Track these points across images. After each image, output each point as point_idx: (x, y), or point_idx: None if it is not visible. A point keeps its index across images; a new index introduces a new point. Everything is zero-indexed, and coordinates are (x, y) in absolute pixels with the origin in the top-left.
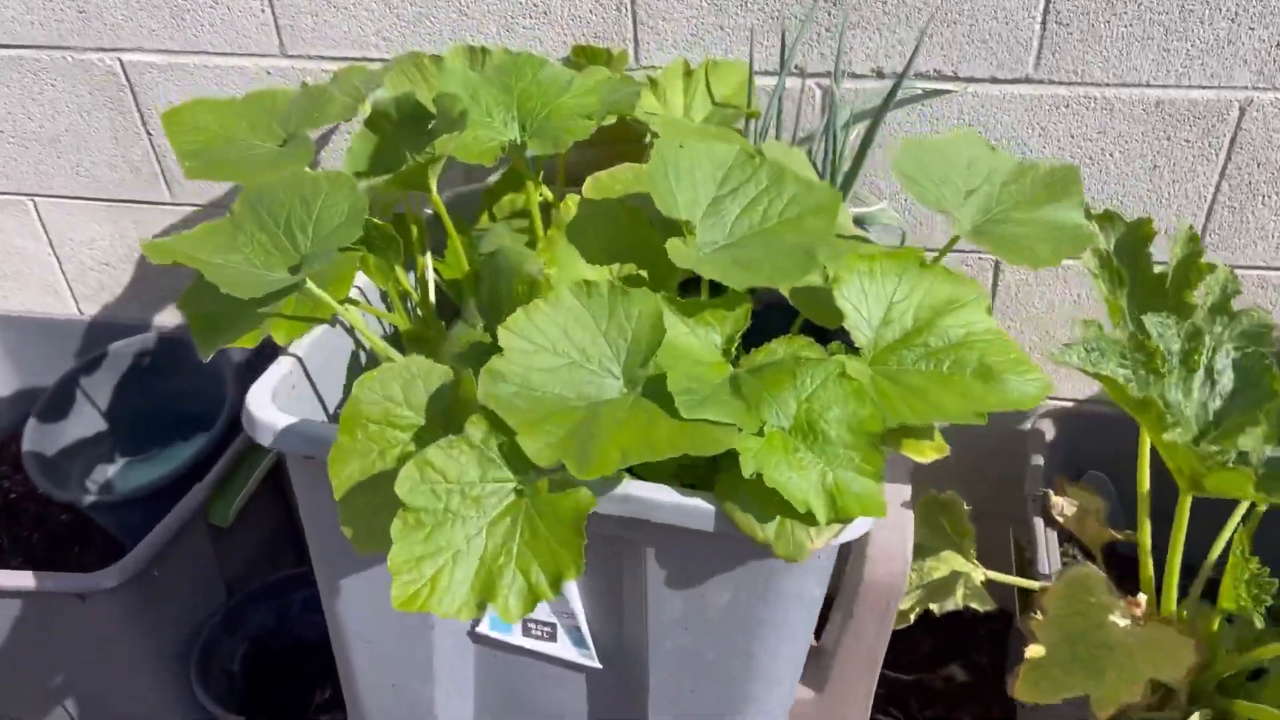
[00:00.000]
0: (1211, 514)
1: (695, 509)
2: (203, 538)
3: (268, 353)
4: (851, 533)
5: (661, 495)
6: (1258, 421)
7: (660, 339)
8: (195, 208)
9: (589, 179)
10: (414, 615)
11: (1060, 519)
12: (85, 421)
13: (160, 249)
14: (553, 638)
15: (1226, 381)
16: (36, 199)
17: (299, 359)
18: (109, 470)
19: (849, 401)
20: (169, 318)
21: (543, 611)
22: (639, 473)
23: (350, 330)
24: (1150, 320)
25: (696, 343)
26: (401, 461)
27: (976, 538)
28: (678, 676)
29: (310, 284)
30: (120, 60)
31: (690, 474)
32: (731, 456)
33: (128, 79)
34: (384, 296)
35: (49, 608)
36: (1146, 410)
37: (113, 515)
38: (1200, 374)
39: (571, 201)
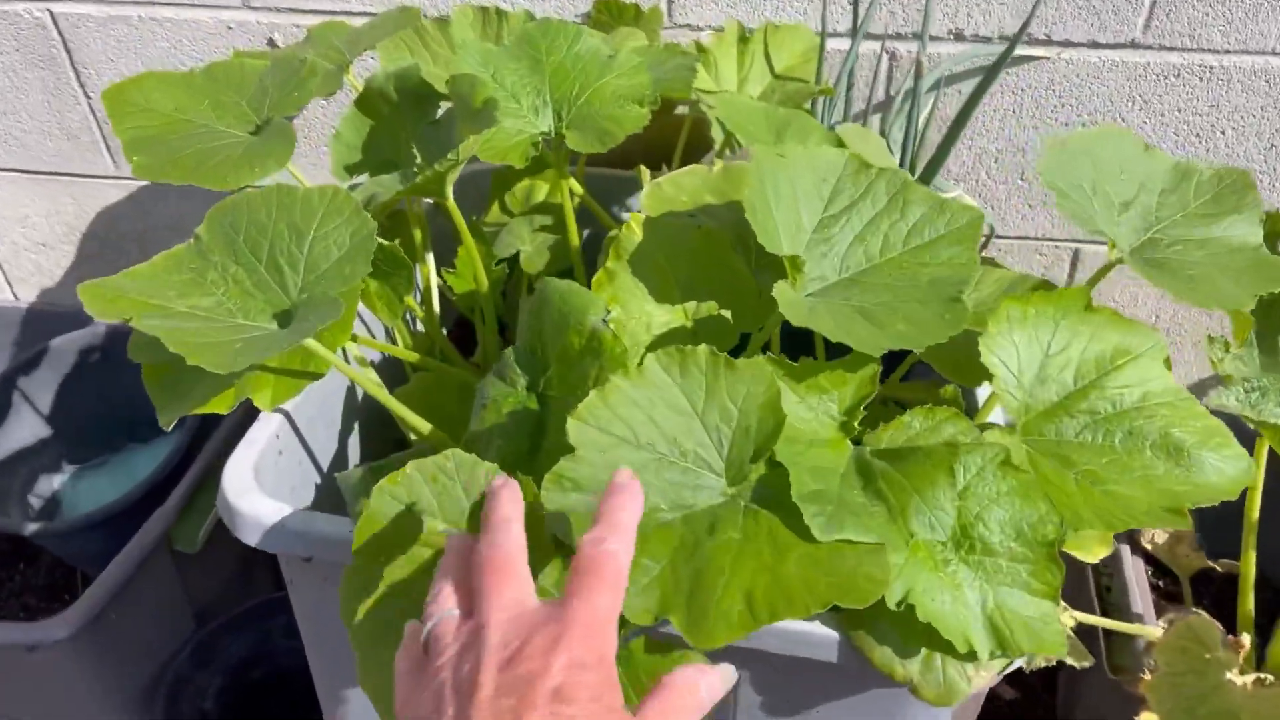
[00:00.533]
0: None
1: (814, 637)
2: (167, 566)
3: None
4: (1011, 666)
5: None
6: None
7: (778, 427)
8: (142, 183)
9: (648, 187)
10: None
11: (1149, 546)
12: (25, 428)
13: (102, 296)
14: None
15: None
16: None
17: (287, 415)
18: (55, 481)
19: (1014, 499)
20: None
21: None
22: None
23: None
24: None
25: (809, 416)
26: None
27: None
28: None
29: (309, 340)
30: (50, 11)
31: None
32: None
33: (60, 33)
34: (389, 335)
35: None
36: None
37: (63, 543)
38: None
39: (636, 223)
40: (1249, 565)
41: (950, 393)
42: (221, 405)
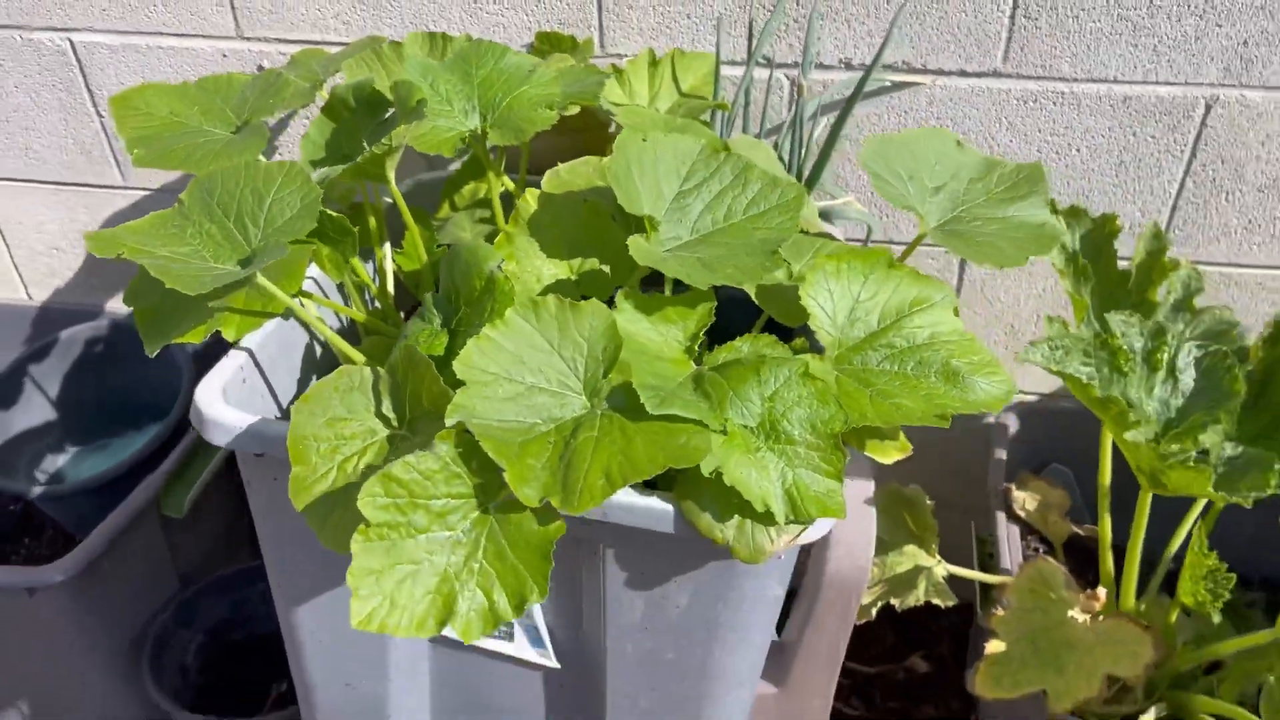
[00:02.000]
0: (1170, 508)
1: (653, 510)
2: (155, 529)
3: (225, 343)
4: (812, 534)
5: (619, 496)
6: (1218, 420)
7: (618, 348)
8: (147, 192)
9: (549, 173)
10: None
11: (1022, 513)
12: (34, 410)
13: (104, 241)
14: (510, 637)
15: (1188, 380)
16: None
17: (251, 353)
18: (59, 460)
19: (812, 401)
20: (122, 304)
21: None
22: None
23: (305, 324)
24: (1114, 319)
25: (659, 340)
26: (364, 474)
27: (939, 531)
28: (637, 676)
29: (261, 279)
30: (70, 40)
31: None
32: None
33: (78, 59)
34: (340, 288)
35: None
36: (1109, 409)
37: (62, 507)
38: (1162, 372)
39: (531, 196)
40: (1105, 529)
41: (800, 344)
42: (196, 336)
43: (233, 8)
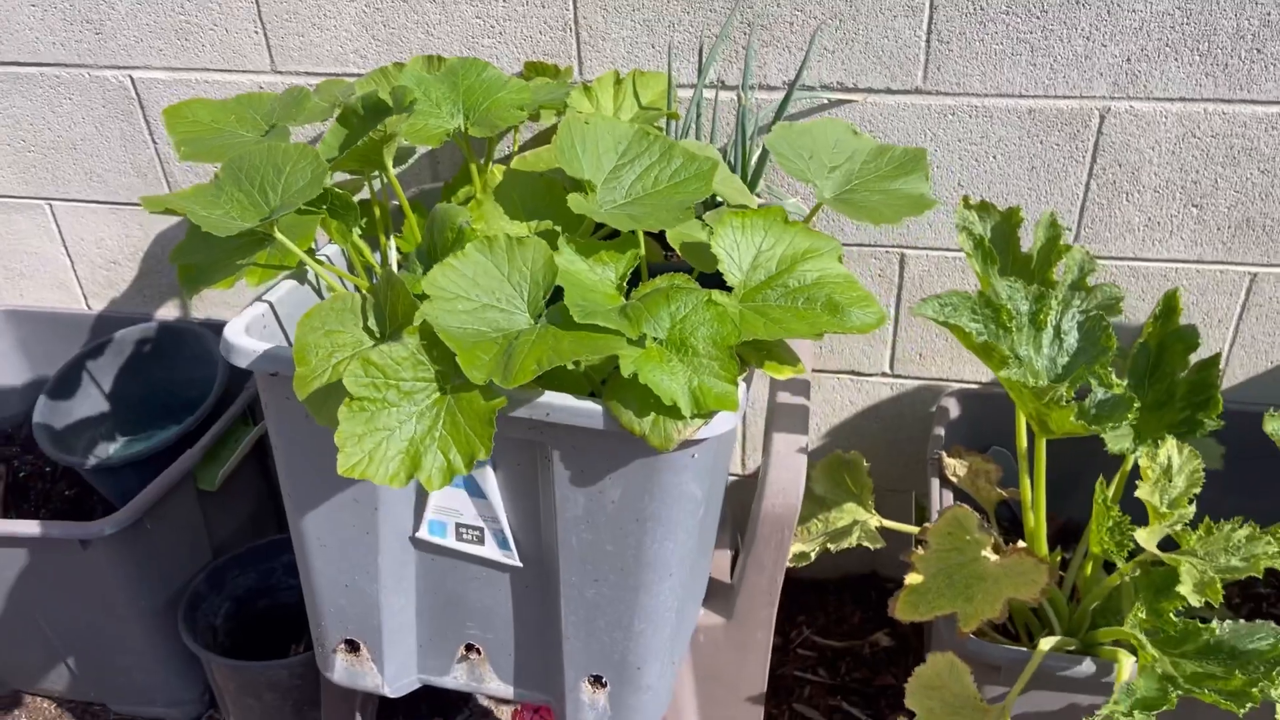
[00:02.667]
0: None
1: (586, 408)
2: (192, 500)
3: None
4: (713, 428)
5: (559, 399)
6: (1095, 372)
7: (554, 277)
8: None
9: (517, 156)
10: (363, 521)
11: (954, 479)
12: (90, 401)
13: (155, 201)
14: (480, 541)
15: (1072, 340)
16: (53, 203)
17: (271, 305)
18: (110, 447)
19: (713, 322)
20: (169, 311)
21: (471, 517)
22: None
23: (318, 290)
24: (1000, 284)
25: (594, 278)
26: (346, 371)
27: (889, 511)
28: (583, 568)
29: (278, 234)
30: (131, 77)
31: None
32: (618, 375)
33: (137, 93)
34: (349, 266)
35: (53, 555)
36: (991, 354)
37: (111, 479)
38: (1049, 333)
39: (498, 170)
40: (1025, 490)
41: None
42: (226, 285)
43: (268, 46)
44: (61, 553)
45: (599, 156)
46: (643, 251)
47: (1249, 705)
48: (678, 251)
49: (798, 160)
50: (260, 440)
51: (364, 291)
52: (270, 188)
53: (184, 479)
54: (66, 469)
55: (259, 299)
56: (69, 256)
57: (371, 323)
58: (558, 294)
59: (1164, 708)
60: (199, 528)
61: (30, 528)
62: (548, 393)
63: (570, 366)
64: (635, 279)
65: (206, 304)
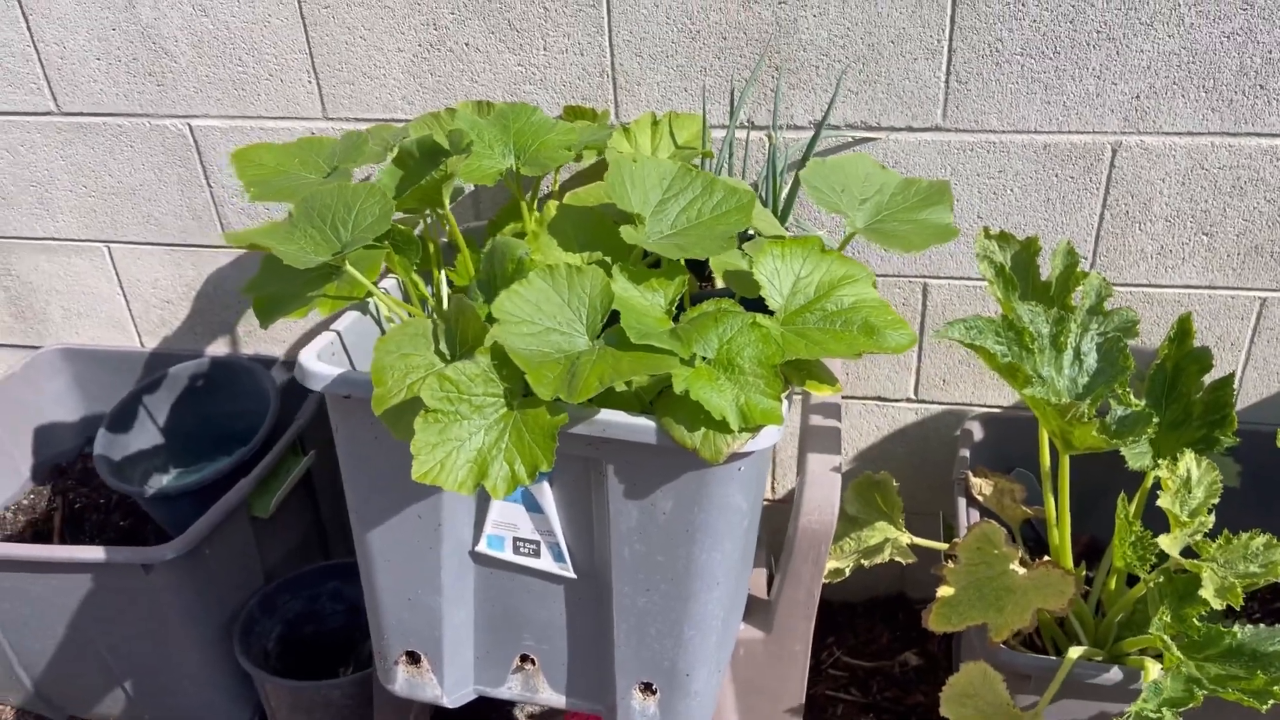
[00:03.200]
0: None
1: (640, 425)
2: (246, 527)
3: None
4: (759, 442)
5: (616, 417)
6: (1114, 391)
7: (610, 302)
8: (245, 250)
9: (568, 194)
10: (427, 536)
11: (980, 498)
12: (146, 434)
13: (238, 236)
14: (537, 554)
15: (1091, 361)
16: (111, 245)
17: (339, 334)
18: (163, 479)
19: (758, 343)
20: (219, 347)
21: (528, 531)
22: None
23: (378, 320)
24: (1022, 308)
25: (645, 303)
26: (420, 390)
27: (916, 534)
28: (635, 578)
29: (349, 266)
30: (189, 125)
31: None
32: (671, 393)
33: (195, 140)
34: (405, 297)
35: (116, 579)
36: (1015, 374)
37: (167, 507)
38: (1070, 354)
39: (552, 206)
40: (1050, 507)
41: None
42: (299, 314)
43: (320, 95)
44: (124, 577)
45: (646, 192)
46: (688, 279)
47: (1271, 702)
48: (720, 278)
49: (831, 194)
50: (307, 471)
51: (435, 318)
52: (341, 224)
53: (239, 506)
54: (120, 501)
55: (327, 329)
56: (124, 296)
57: (442, 346)
58: (612, 319)
59: (1190, 705)
60: (252, 554)
61: (95, 553)
62: (604, 410)
63: (621, 388)
64: (679, 305)
65: (255, 340)
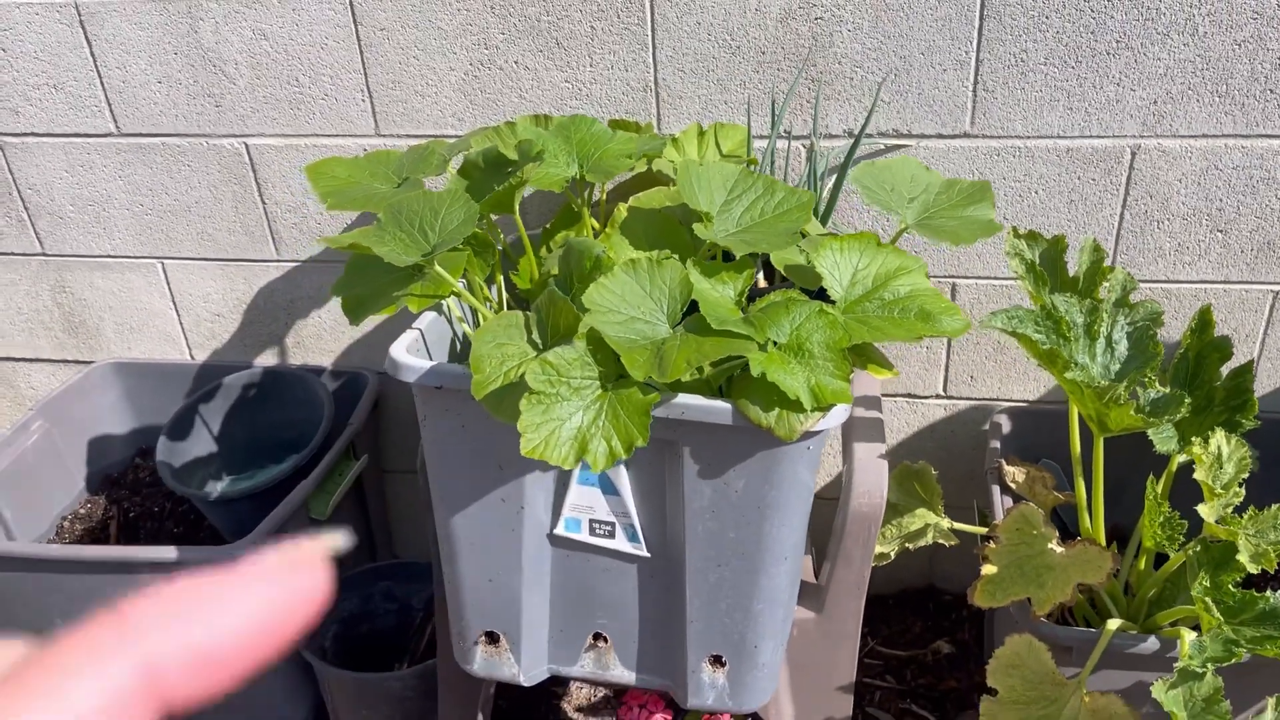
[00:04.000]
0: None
1: (717, 406)
2: (305, 528)
3: (356, 383)
4: (830, 420)
5: (693, 399)
6: (1145, 375)
7: (689, 293)
8: (296, 263)
9: (633, 197)
10: (509, 520)
11: (1013, 485)
12: (202, 442)
13: (336, 240)
14: (612, 535)
15: (1122, 349)
16: (165, 261)
17: (421, 332)
18: (217, 487)
19: (826, 329)
20: (266, 359)
21: (604, 513)
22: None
23: (449, 321)
24: (1058, 299)
25: (717, 295)
26: (520, 378)
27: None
28: (707, 555)
29: (437, 266)
30: (246, 144)
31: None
32: (745, 377)
33: (250, 158)
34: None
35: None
36: (1055, 359)
37: (227, 511)
38: (1101, 342)
39: (622, 209)
40: (1080, 491)
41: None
42: (390, 310)
43: (373, 113)
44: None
45: (711, 193)
46: (755, 273)
47: None
48: (782, 272)
49: (881, 193)
50: (358, 477)
51: (527, 314)
52: (428, 227)
53: (299, 508)
54: (173, 509)
55: (411, 327)
56: (176, 311)
57: (535, 336)
58: (687, 311)
59: (1233, 660)
60: None
61: (169, 553)
62: (681, 394)
63: (691, 376)
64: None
65: (303, 351)
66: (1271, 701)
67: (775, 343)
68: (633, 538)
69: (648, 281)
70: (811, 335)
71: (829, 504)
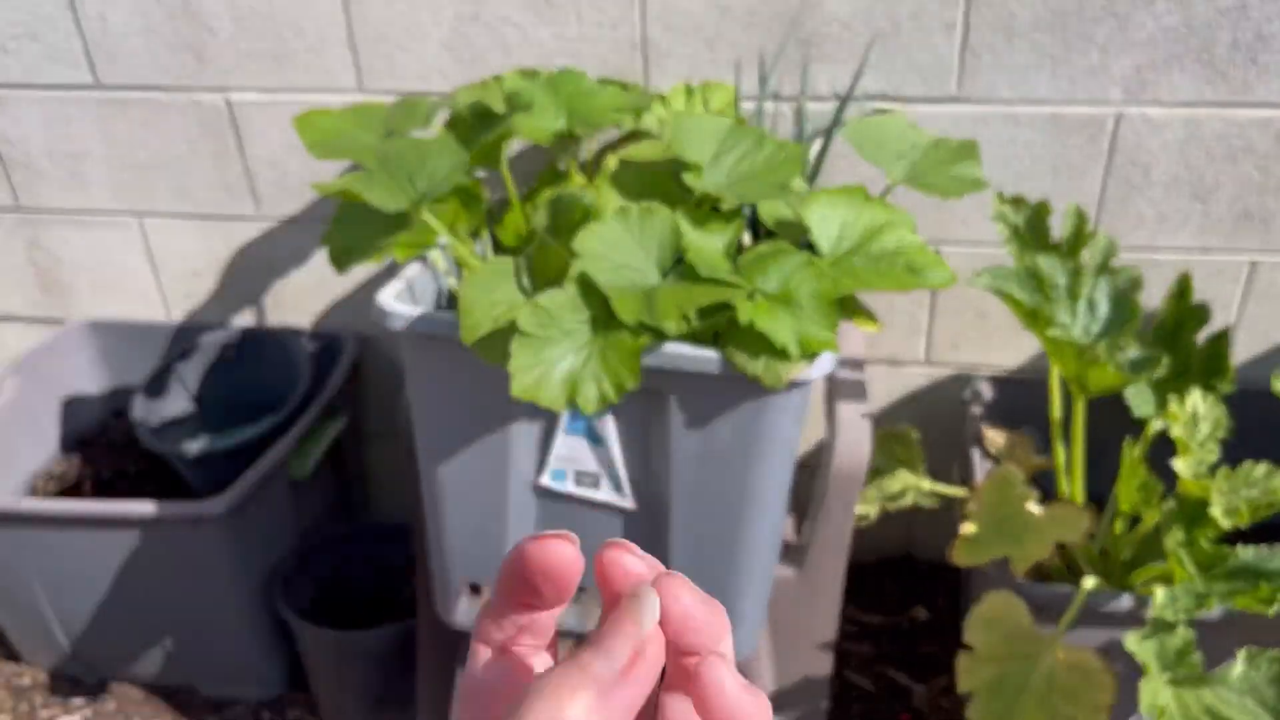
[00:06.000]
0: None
1: (705, 355)
2: (284, 487)
3: (334, 345)
4: (816, 369)
5: (682, 348)
6: (1124, 336)
7: (678, 240)
8: (275, 221)
9: (623, 150)
10: (494, 468)
11: (993, 449)
12: (179, 402)
13: (327, 186)
14: (597, 485)
15: (1103, 310)
16: (144, 218)
17: (409, 282)
18: (195, 446)
19: (813, 279)
20: (244, 319)
21: (589, 464)
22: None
23: (435, 274)
24: (1042, 260)
25: (707, 245)
26: (509, 324)
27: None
28: (693, 504)
29: (425, 213)
30: (227, 98)
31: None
32: (733, 326)
33: (231, 114)
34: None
35: (163, 535)
36: (1037, 318)
37: (206, 469)
38: (1083, 304)
39: (613, 161)
40: (1059, 455)
41: None
42: (377, 258)
43: (357, 67)
44: (171, 531)
45: (703, 145)
46: (744, 225)
47: (1277, 606)
48: (770, 226)
49: (872, 148)
50: (335, 438)
51: (517, 260)
52: (416, 174)
53: (280, 466)
54: (149, 469)
55: (397, 277)
56: (153, 268)
57: (524, 282)
58: (677, 262)
59: (1204, 610)
60: (289, 514)
61: (146, 507)
62: (669, 342)
63: (679, 328)
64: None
65: (281, 311)
66: (1242, 654)
67: (764, 292)
68: (617, 488)
69: (638, 230)
70: (800, 286)
71: (810, 473)
